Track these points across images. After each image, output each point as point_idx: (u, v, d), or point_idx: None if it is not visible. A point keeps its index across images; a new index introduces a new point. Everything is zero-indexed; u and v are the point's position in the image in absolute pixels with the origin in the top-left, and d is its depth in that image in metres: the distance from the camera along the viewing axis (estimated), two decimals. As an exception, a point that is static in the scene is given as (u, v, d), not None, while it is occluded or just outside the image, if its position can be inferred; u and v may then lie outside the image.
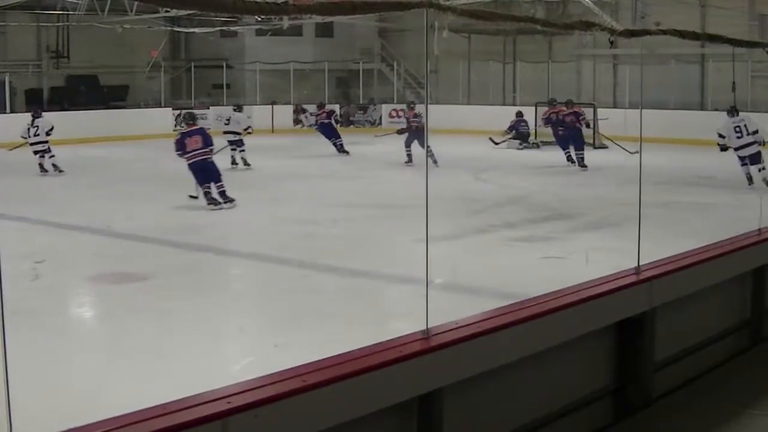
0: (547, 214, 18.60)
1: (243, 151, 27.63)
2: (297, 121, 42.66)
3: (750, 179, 21.79)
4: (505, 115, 35.49)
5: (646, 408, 7.60)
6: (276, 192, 22.80)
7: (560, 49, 41.47)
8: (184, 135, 20.21)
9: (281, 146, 35.37)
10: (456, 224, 16.76)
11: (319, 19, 35.75)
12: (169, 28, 42.96)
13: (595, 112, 33.04)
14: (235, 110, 28.52)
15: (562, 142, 27.75)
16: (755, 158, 21.76)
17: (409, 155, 27.63)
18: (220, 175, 19.65)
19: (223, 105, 41.01)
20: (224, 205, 19.25)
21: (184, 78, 44.96)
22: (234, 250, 15.80)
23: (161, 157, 29.40)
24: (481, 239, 16.14)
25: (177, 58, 46.88)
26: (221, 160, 22.08)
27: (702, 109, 36.50)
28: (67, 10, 38.92)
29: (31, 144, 26.60)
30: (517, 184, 23.75)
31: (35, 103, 40.35)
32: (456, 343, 5.80)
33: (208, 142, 19.80)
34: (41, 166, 26.23)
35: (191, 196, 19.50)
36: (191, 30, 41.85)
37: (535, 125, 34.03)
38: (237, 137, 27.49)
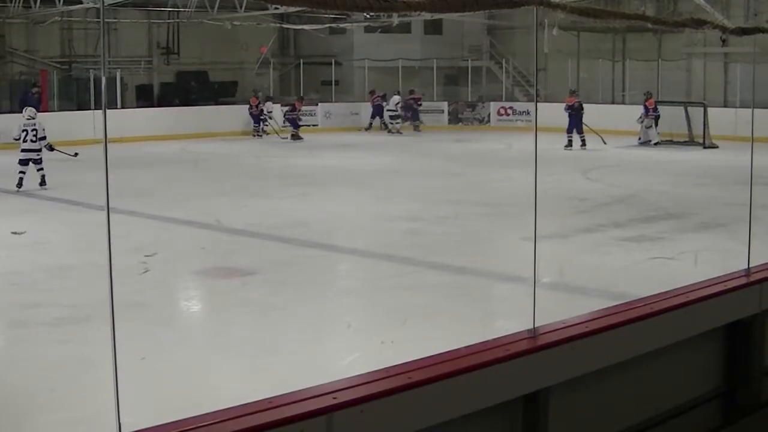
0: (655, 213, 18.38)
1: None
2: (405, 119, 42.86)
3: None
4: (615, 113, 35.27)
5: (755, 412, 7.48)
6: (382, 188, 22.87)
7: (670, 47, 40.89)
8: None
9: (389, 143, 35.52)
10: (563, 223, 16.65)
11: (428, 16, 35.75)
12: (278, 25, 43.33)
13: (705, 112, 32.61)
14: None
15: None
16: None
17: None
18: None
19: (331, 102, 41.49)
20: None
21: (293, 74, 45.31)
22: (340, 245, 15.84)
23: (269, 152, 29.71)
24: (589, 238, 16.00)
25: (286, 54, 47.25)
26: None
27: (816, 109, 35.77)
28: (178, 7, 39.57)
29: None
30: (625, 183, 23.52)
31: (146, 98, 41.09)
32: (563, 342, 5.74)
33: None
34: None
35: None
36: (300, 27, 42.10)
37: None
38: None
